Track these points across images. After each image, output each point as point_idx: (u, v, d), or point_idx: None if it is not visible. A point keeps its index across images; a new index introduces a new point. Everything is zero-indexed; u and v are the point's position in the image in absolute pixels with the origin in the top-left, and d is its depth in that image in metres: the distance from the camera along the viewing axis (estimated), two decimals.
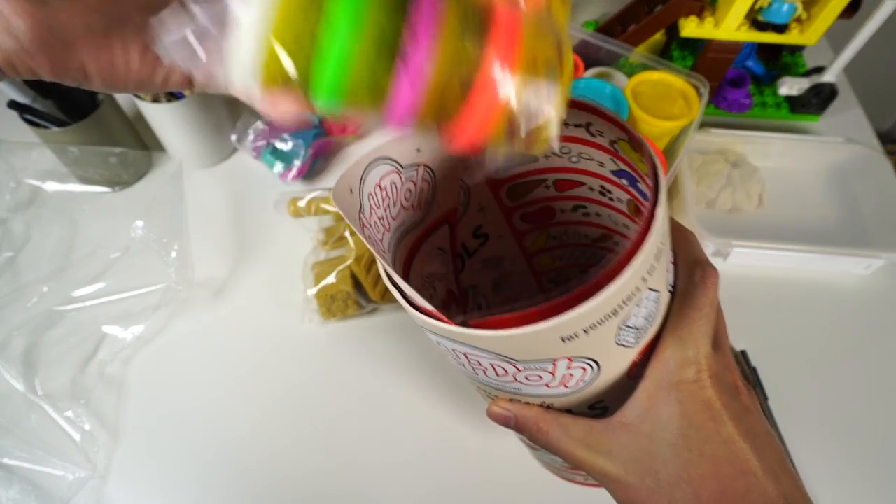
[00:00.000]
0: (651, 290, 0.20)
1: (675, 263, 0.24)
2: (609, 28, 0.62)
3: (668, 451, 0.21)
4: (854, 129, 0.63)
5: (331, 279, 0.47)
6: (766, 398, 0.46)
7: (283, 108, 0.19)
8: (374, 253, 0.21)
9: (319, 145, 0.59)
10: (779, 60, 0.67)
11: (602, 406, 0.24)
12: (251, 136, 0.58)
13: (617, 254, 0.19)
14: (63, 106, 0.54)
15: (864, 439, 0.45)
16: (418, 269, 0.29)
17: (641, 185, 0.25)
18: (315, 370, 0.48)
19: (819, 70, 0.61)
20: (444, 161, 0.27)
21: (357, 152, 0.62)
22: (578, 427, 0.23)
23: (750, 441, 0.20)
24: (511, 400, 0.24)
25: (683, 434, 0.21)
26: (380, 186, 0.24)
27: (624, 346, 0.21)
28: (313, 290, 0.48)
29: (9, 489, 0.42)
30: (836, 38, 0.61)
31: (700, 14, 0.56)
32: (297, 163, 0.57)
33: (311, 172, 0.60)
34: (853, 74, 0.65)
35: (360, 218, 0.23)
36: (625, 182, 0.27)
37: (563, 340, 0.19)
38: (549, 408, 0.24)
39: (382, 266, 0.22)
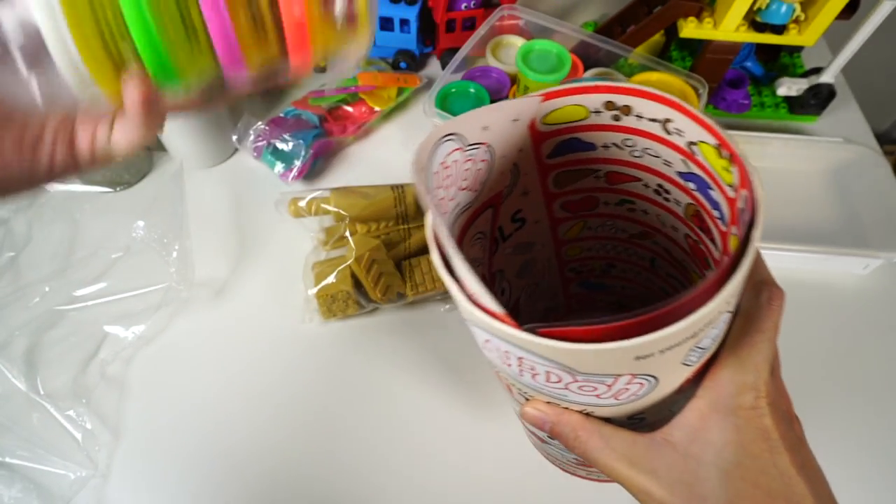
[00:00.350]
0: (728, 312, 0.20)
1: None
2: (608, 29, 0.62)
3: (719, 477, 0.20)
4: (852, 130, 0.63)
5: (331, 279, 0.48)
6: None
7: (132, 97, 0.21)
8: (445, 243, 0.19)
9: (320, 146, 0.59)
10: (777, 61, 0.67)
11: (640, 418, 0.23)
12: (252, 137, 0.59)
13: (708, 278, 0.18)
14: None
15: (864, 439, 0.45)
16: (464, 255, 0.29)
17: (716, 194, 0.23)
18: (315, 370, 0.48)
19: (817, 71, 0.61)
20: (505, 141, 0.25)
21: (359, 152, 0.62)
22: (621, 440, 0.22)
23: (805, 475, 0.20)
24: (549, 403, 0.23)
25: (738, 462, 0.20)
26: (444, 165, 0.22)
27: (687, 365, 0.21)
28: (313, 290, 0.48)
29: (10, 488, 0.43)
30: (835, 39, 0.61)
31: (699, 15, 0.56)
32: (298, 163, 0.57)
33: (311, 173, 0.60)
34: (851, 75, 0.66)
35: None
36: (691, 186, 0.26)
37: (636, 359, 0.19)
38: (588, 415, 0.23)
39: (446, 258, 0.20)
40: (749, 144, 0.58)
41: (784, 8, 0.53)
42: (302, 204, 0.51)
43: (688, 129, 0.23)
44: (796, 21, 0.55)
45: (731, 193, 0.21)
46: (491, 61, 0.58)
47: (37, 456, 0.44)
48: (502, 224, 0.30)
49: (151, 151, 0.61)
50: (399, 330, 0.50)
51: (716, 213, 0.24)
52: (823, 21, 0.53)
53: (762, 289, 0.22)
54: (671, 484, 0.20)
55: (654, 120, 0.24)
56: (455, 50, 0.58)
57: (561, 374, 0.20)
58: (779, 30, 0.55)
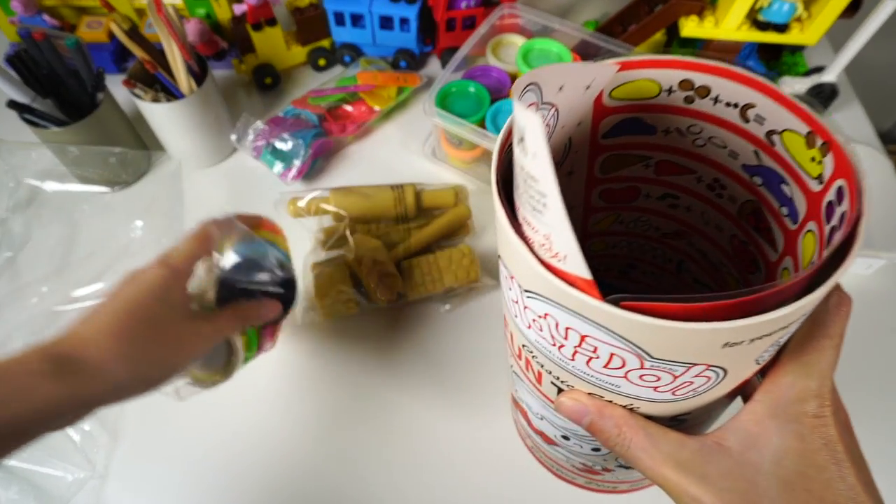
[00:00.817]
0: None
1: None
2: (609, 28, 0.61)
3: (780, 488, 0.18)
4: (855, 129, 0.63)
5: (329, 279, 0.47)
6: None
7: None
8: (545, 176, 0.16)
9: (319, 145, 0.59)
10: (779, 60, 0.67)
11: (683, 418, 0.22)
12: (251, 136, 0.58)
13: (814, 265, 0.17)
14: (62, 106, 0.54)
15: (864, 439, 0.45)
16: None
17: (789, 189, 0.22)
18: (314, 369, 0.48)
19: (819, 70, 0.61)
20: (571, 109, 0.23)
21: (359, 152, 0.62)
22: (668, 440, 0.20)
23: (870, 494, 0.19)
24: (591, 394, 0.21)
25: (802, 473, 0.18)
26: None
27: (758, 363, 0.20)
28: (312, 291, 0.48)
29: (8, 489, 0.42)
30: (837, 38, 0.61)
31: (700, 14, 0.56)
32: (297, 163, 0.57)
33: (311, 172, 0.60)
34: (854, 74, 0.65)
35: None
36: (757, 180, 0.23)
37: (724, 346, 0.17)
38: (632, 411, 0.21)
39: (510, 236, 0.18)
40: None
41: (786, 6, 0.52)
42: (301, 204, 0.51)
43: (772, 117, 0.21)
44: (798, 20, 0.54)
45: (814, 187, 0.19)
46: (491, 60, 0.58)
47: (34, 457, 0.44)
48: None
49: (150, 151, 0.61)
50: (398, 330, 0.50)
51: (783, 211, 0.22)
52: (826, 20, 0.53)
53: (831, 293, 0.20)
54: (724, 492, 0.19)
55: (732, 105, 0.22)
56: (455, 49, 0.58)
57: (627, 358, 0.18)
58: (781, 28, 0.55)
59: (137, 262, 0.53)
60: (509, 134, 0.20)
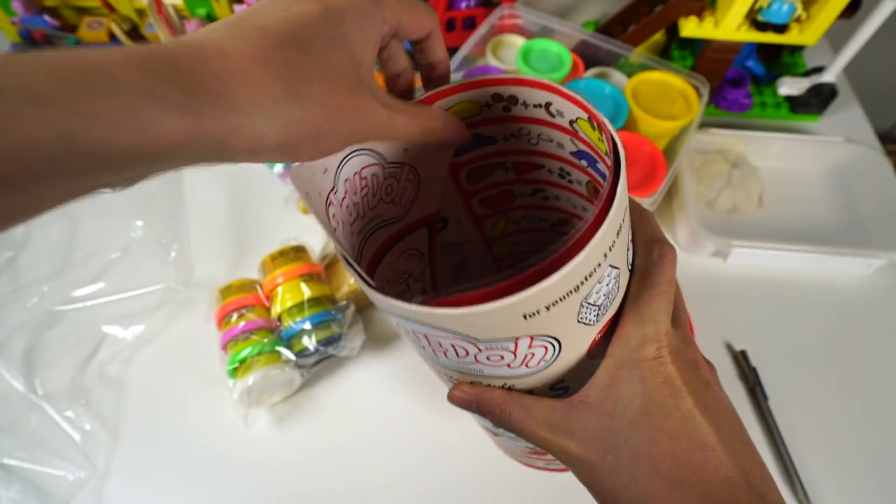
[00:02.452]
0: (612, 266, 0.21)
1: (633, 242, 0.24)
2: (609, 28, 0.62)
3: (629, 428, 0.21)
4: (854, 129, 0.63)
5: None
6: (766, 398, 0.46)
7: None
8: (326, 232, 0.21)
9: None
10: (778, 60, 0.67)
11: (563, 387, 0.24)
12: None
13: (577, 230, 0.18)
14: None
15: (864, 439, 0.45)
16: (391, 263, 0.29)
17: (601, 166, 0.24)
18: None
19: (819, 70, 0.61)
20: (429, 164, 0.27)
21: None
22: (541, 408, 0.23)
23: (708, 416, 0.20)
24: (472, 383, 0.24)
25: (644, 411, 0.21)
26: (360, 175, 0.24)
27: (585, 324, 0.21)
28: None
29: (9, 489, 0.42)
30: (836, 38, 0.61)
31: (700, 14, 0.56)
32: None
33: None
34: (853, 74, 0.65)
35: (328, 197, 0.23)
36: (584, 163, 0.27)
37: (524, 318, 0.19)
38: (510, 389, 0.24)
39: (337, 249, 0.22)
40: (750, 144, 0.58)
41: (785, 7, 0.53)
42: None
43: (566, 109, 0.24)
44: (798, 20, 0.54)
45: (609, 161, 0.22)
46: (491, 60, 0.58)
47: (35, 457, 0.44)
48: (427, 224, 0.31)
49: None
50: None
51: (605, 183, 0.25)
52: (825, 20, 0.53)
53: (653, 246, 0.23)
54: (587, 441, 0.21)
55: (538, 105, 0.25)
56: (455, 49, 0.58)
57: (466, 347, 0.21)
58: (780, 29, 0.55)
59: (138, 262, 0.53)
60: None
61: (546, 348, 0.21)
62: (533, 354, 0.21)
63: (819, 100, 0.61)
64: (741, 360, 0.48)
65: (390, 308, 0.20)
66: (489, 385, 0.24)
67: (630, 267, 0.23)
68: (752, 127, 0.59)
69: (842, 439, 0.45)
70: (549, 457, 0.33)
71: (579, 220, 0.31)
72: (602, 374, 0.22)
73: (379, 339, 0.49)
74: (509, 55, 0.59)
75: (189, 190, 0.58)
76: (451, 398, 0.25)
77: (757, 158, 0.58)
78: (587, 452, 0.21)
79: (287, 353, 0.43)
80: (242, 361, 0.43)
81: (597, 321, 0.22)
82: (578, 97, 0.22)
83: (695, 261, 0.54)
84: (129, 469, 0.44)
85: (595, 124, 0.22)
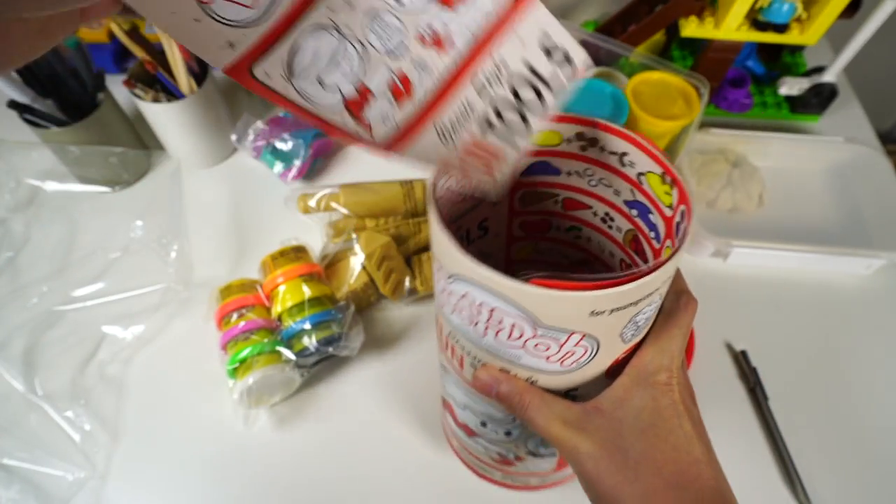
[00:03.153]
0: (659, 296, 0.24)
1: None
2: (609, 28, 0.62)
3: (637, 435, 0.24)
4: (854, 129, 0.63)
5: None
6: (766, 398, 0.46)
7: None
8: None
9: (319, 145, 0.59)
10: (779, 60, 0.67)
11: (575, 395, 0.27)
12: (251, 136, 0.58)
13: (657, 262, 0.22)
14: (63, 106, 0.54)
15: (864, 438, 0.45)
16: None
17: (654, 217, 0.28)
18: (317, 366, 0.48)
19: (819, 70, 0.61)
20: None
21: (358, 152, 0.62)
22: (558, 405, 0.26)
23: (701, 440, 0.25)
24: (501, 370, 0.27)
25: (653, 424, 0.24)
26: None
27: (622, 340, 0.25)
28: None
29: (8, 489, 0.42)
30: (837, 38, 0.61)
31: (700, 14, 0.56)
32: (297, 163, 0.57)
33: (311, 172, 0.60)
34: (853, 74, 0.65)
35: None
36: (634, 213, 0.30)
37: (591, 314, 0.22)
38: (532, 384, 0.27)
39: (440, 232, 0.24)
40: (751, 144, 0.58)
41: (786, 7, 0.53)
42: (311, 203, 0.51)
43: (639, 161, 0.27)
44: (798, 20, 0.54)
45: (668, 213, 0.26)
46: None
47: (35, 457, 0.44)
48: (470, 228, 0.33)
49: (150, 151, 0.61)
50: (411, 325, 0.50)
51: (651, 234, 0.29)
52: (825, 20, 0.53)
53: (681, 295, 0.27)
54: (598, 441, 0.25)
55: (613, 153, 0.28)
56: None
57: (524, 327, 0.23)
58: (780, 29, 0.55)
59: (138, 262, 0.53)
60: None
61: (586, 350, 0.24)
62: (573, 353, 0.24)
63: (819, 100, 0.61)
64: (741, 360, 0.48)
65: (481, 277, 0.22)
66: (515, 374, 0.26)
67: (661, 300, 0.26)
68: (752, 127, 0.59)
69: (842, 439, 0.45)
70: (512, 469, 0.38)
71: (601, 264, 0.35)
72: (617, 388, 0.26)
73: (379, 340, 0.49)
74: None
75: (189, 190, 0.58)
76: (476, 379, 0.27)
77: (757, 158, 0.58)
78: (597, 449, 0.25)
79: (287, 353, 0.43)
80: (242, 361, 0.43)
81: (630, 340, 0.25)
82: (659, 154, 0.25)
83: (695, 261, 0.54)
84: (129, 469, 0.44)
85: (668, 179, 0.25)
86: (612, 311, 0.22)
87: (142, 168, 0.60)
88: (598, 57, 0.58)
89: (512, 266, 0.38)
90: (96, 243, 0.55)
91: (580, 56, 0.26)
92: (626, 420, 0.25)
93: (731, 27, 0.55)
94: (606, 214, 0.32)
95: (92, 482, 0.43)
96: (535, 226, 0.35)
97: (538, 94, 0.25)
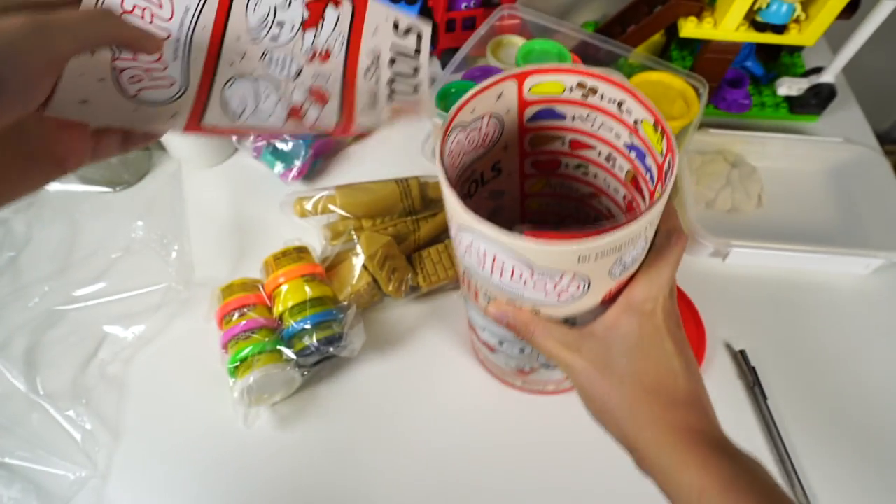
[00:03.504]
0: (645, 239, 0.28)
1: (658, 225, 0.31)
2: (608, 28, 0.62)
3: (624, 353, 0.28)
4: (853, 130, 0.63)
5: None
6: (765, 398, 0.46)
7: None
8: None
9: (320, 145, 0.59)
10: (777, 61, 0.67)
11: (574, 321, 0.31)
12: (251, 137, 0.59)
13: (638, 213, 0.26)
14: None
15: (864, 438, 0.45)
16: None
17: (649, 160, 0.31)
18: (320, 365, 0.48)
19: (818, 70, 0.61)
20: (494, 107, 0.33)
21: (359, 152, 0.62)
22: (558, 330, 0.30)
23: (681, 356, 0.28)
24: (508, 302, 0.30)
25: (636, 345, 0.28)
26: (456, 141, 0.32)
27: (612, 276, 0.28)
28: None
29: (10, 488, 0.43)
30: (835, 39, 0.61)
31: (699, 15, 0.56)
32: (298, 163, 0.57)
33: (311, 172, 0.60)
34: (852, 75, 0.66)
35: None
36: (633, 154, 0.33)
37: (578, 260, 0.25)
38: (536, 314, 0.30)
39: (447, 190, 0.27)
40: (749, 144, 0.58)
41: (784, 7, 0.53)
42: (308, 206, 0.51)
43: (635, 110, 0.30)
44: (797, 21, 0.55)
45: (660, 160, 0.29)
46: (491, 61, 0.58)
47: (36, 456, 0.44)
48: (483, 170, 0.36)
49: (151, 151, 0.61)
50: (418, 321, 0.50)
51: (647, 176, 0.32)
52: (824, 21, 0.53)
53: (672, 233, 0.30)
54: (591, 358, 0.29)
55: (612, 101, 0.31)
56: (455, 49, 0.58)
57: (523, 270, 0.27)
58: (779, 29, 0.55)
59: (139, 262, 0.53)
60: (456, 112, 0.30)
61: (579, 286, 0.28)
62: (567, 290, 0.28)
63: (818, 100, 0.61)
64: (740, 360, 0.48)
65: (482, 230, 0.25)
66: (521, 307, 0.30)
67: (651, 242, 0.29)
68: (751, 127, 0.59)
69: (840, 438, 0.45)
70: (530, 378, 0.43)
71: (607, 197, 0.38)
72: (609, 315, 0.29)
73: (380, 340, 0.50)
74: (509, 55, 0.59)
75: (190, 190, 0.58)
76: (489, 312, 0.32)
77: (756, 158, 0.58)
78: (589, 364, 0.29)
79: (288, 353, 0.44)
80: (243, 360, 0.43)
81: (619, 276, 0.28)
82: (651, 105, 0.29)
83: (694, 261, 0.54)
84: (130, 468, 0.44)
85: (659, 129, 0.28)
86: (597, 256, 0.26)
87: (143, 168, 0.61)
88: (598, 57, 0.58)
89: (525, 199, 0.42)
90: (97, 243, 0.55)
91: (421, 25, 0.35)
92: (615, 341, 0.28)
93: (729, 28, 0.55)
94: (609, 155, 0.35)
95: (93, 481, 0.43)
96: (546, 164, 0.38)
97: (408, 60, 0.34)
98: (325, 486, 0.43)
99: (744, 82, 0.63)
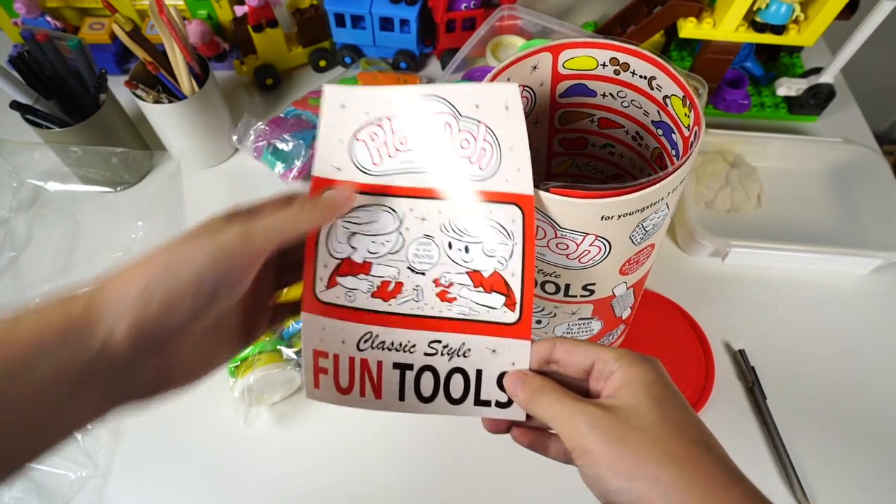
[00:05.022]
0: (667, 205, 0.28)
1: None
2: (608, 29, 0.62)
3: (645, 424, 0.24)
4: (852, 130, 0.63)
5: None
6: (764, 398, 0.46)
7: None
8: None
9: None
10: (777, 61, 0.67)
11: (592, 288, 0.32)
12: (252, 137, 0.59)
13: (660, 174, 0.26)
14: (65, 107, 0.54)
15: (862, 438, 0.45)
16: None
17: (676, 136, 0.32)
18: None
19: (817, 71, 0.61)
20: (527, 79, 0.34)
21: None
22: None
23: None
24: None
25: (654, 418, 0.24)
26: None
27: (632, 242, 0.29)
28: None
29: (10, 488, 0.43)
30: (834, 39, 0.61)
31: (698, 15, 0.56)
32: (298, 163, 0.57)
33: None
34: (851, 75, 0.66)
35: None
36: (660, 132, 0.33)
37: (601, 219, 0.26)
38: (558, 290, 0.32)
39: None
40: (749, 144, 0.58)
41: (784, 8, 0.53)
42: None
43: (665, 85, 0.31)
44: (796, 21, 0.55)
45: (686, 133, 0.30)
46: (491, 61, 0.59)
47: None
48: None
49: (151, 151, 0.61)
50: None
51: (672, 152, 0.33)
52: (823, 21, 0.53)
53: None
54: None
55: (643, 77, 0.32)
56: (455, 50, 0.58)
57: (547, 229, 0.28)
58: (778, 30, 0.55)
59: None
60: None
61: (600, 249, 0.28)
62: (588, 252, 0.29)
63: (817, 100, 0.61)
64: (740, 360, 0.48)
65: None
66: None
67: (672, 207, 0.30)
68: (750, 127, 0.60)
69: (839, 437, 0.45)
70: None
71: (631, 178, 0.38)
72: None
73: None
74: (509, 56, 0.59)
75: (190, 190, 0.58)
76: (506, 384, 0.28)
77: (755, 159, 0.58)
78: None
79: (288, 352, 0.44)
80: (243, 360, 0.43)
81: (640, 243, 0.29)
82: (682, 79, 0.29)
83: (693, 260, 0.54)
84: (131, 468, 0.44)
85: (688, 102, 0.29)
86: (620, 216, 0.26)
87: (143, 168, 0.61)
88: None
89: (551, 180, 0.42)
90: (98, 243, 0.55)
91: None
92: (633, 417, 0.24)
93: (729, 28, 0.55)
94: (637, 133, 0.35)
95: (94, 481, 0.43)
96: (573, 143, 0.39)
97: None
98: (325, 486, 0.43)
99: (743, 82, 0.63)
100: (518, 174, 0.27)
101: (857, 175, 0.57)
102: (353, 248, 0.29)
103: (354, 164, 0.29)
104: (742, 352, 0.48)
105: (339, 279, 0.29)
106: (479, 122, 0.27)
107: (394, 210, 0.29)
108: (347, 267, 0.29)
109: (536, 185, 0.26)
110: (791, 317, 0.51)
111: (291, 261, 0.30)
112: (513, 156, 0.27)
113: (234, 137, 0.59)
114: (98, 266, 0.53)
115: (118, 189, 0.59)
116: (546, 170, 0.41)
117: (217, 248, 0.23)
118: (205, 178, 0.61)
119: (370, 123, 0.29)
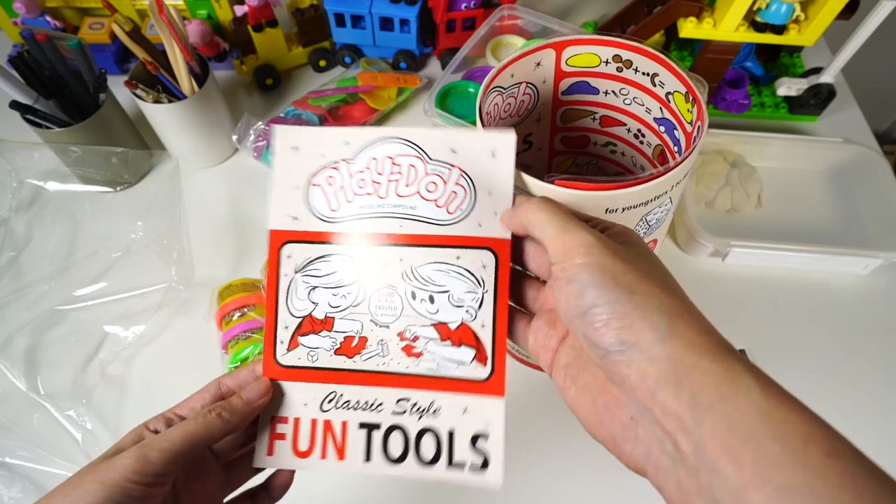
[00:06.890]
0: (670, 199, 0.29)
1: None
2: (608, 29, 0.62)
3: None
4: (852, 130, 0.63)
5: None
6: None
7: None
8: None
9: None
10: (777, 61, 0.67)
11: None
12: (252, 137, 0.59)
13: (665, 168, 0.27)
14: (65, 106, 0.54)
15: (863, 438, 0.45)
16: None
17: (678, 133, 0.32)
18: None
19: (817, 71, 0.61)
20: (532, 76, 0.34)
21: None
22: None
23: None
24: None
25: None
26: (495, 104, 0.34)
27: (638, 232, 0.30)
28: None
29: (10, 488, 0.43)
30: (834, 39, 0.61)
31: (699, 15, 0.56)
32: None
33: None
34: (851, 75, 0.66)
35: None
36: (662, 129, 0.33)
37: (605, 212, 0.27)
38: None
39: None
40: (749, 144, 0.58)
41: (784, 8, 0.53)
42: None
43: (668, 82, 0.31)
44: (796, 21, 0.55)
45: (689, 129, 0.30)
46: (491, 61, 0.59)
47: (37, 456, 0.44)
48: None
49: (151, 151, 0.61)
50: None
51: (675, 149, 0.33)
52: (823, 21, 0.53)
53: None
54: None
55: (646, 73, 0.32)
56: (455, 50, 0.58)
57: None
58: (779, 30, 0.55)
59: (139, 262, 0.53)
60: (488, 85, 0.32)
61: None
62: None
63: (817, 100, 0.61)
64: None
65: (518, 179, 0.27)
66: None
67: (674, 202, 0.31)
68: (750, 127, 0.60)
69: None
70: None
71: (633, 177, 0.38)
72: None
73: None
74: (509, 56, 0.59)
75: (190, 190, 0.58)
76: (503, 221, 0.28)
77: (755, 159, 0.58)
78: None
79: None
80: (244, 360, 0.43)
81: (644, 236, 0.29)
82: (685, 75, 0.30)
83: (693, 261, 0.54)
84: None
85: (691, 98, 0.29)
86: (624, 209, 0.27)
87: (143, 168, 0.61)
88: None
89: (552, 180, 0.44)
90: (98, 243, 0.55)
91: None
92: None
93: (729, 28, 0.55)
94: (639, 131, 0.35)
95: None
96: (575, 141, 0.39)
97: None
98: (325, 486, 0.43)
99: (743, 82, 0.63)
100: (494, 218, 0.26)
101: (858, 175, 0.57)
102: (313, 303, 0.27)
103: (311, 212, 0.27)
104: (742, 352, 0.48)
105: (301, 339, 0.27)
106: (453, 165, 0.26)
107: (354, 259, 0.27)
108: (309, 325, 0.28)
109: (541, 179, 0.26)
110: (791, 317, 0.51)
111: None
112: (490, 200, 0.26)
113: (234, 137, 0.59)
114: (98, 266, 0.54)
115: (118, 189, 0.59)
116: (547, 168, 0.41)
117: (101, 489, 0.22)
118: (205, 178, 0.61)
119: (326, 167, 0.27)
